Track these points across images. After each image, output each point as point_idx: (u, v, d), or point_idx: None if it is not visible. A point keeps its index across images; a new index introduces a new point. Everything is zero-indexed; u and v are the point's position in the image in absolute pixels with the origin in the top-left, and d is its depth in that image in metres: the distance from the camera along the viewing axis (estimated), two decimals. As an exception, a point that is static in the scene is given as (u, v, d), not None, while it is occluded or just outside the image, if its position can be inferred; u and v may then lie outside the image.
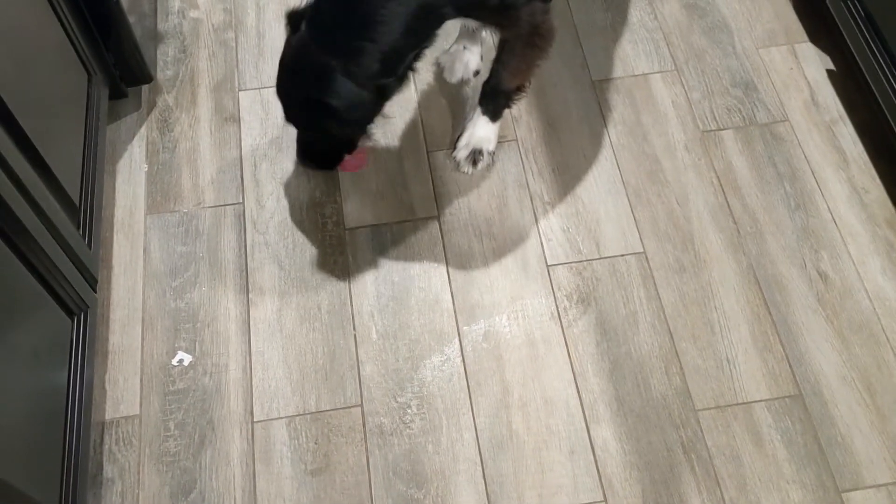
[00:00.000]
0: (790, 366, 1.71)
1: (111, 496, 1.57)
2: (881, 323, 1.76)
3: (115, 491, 1.58)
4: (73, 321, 1.54)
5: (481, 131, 1.93)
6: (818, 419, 1.66)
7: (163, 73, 2.13)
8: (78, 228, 1.59)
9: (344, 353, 1.72)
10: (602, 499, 1.57)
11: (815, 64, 2.14)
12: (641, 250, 1.86)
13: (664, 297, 1.80)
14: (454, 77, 2.09)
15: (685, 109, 2.07)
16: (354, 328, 1.75)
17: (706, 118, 2.05)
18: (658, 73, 2.13)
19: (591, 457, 1.62)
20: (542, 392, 1.69)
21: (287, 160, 1.99)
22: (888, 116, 1.89)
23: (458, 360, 1.72)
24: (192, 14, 2.24)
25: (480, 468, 1.60)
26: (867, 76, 1.95)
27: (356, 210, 1.91)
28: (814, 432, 1.64)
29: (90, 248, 1.62)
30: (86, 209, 1.65)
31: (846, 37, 2.03)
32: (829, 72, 2.12)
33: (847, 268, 1.83)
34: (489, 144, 1.94)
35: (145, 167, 1.98)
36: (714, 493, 1.58)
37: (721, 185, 1.95)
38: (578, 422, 1.66)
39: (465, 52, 2.07)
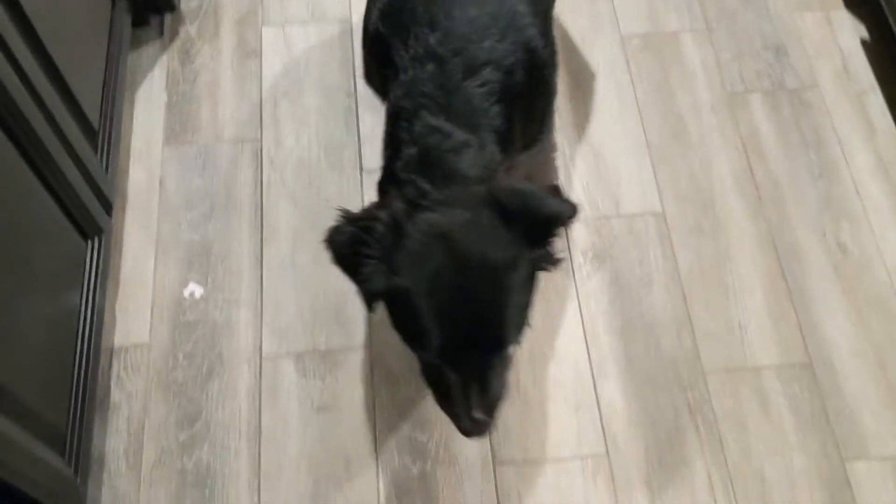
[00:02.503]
0: (802, 334, 1.70)
1: (117, 420, 1.58)
2: (898, 297, 1.74)
3: (122, 416, 1.59)
4: (87, 244, 1.53)
5: None
6: (827, 389, 1.65)
7: (187, 2, 2.10)
8: (96, 152, 1.58)
9: (355, 295, 1.71)
10: (605, 453, 1.57)
11: (849, 32, 2.10)
12: (661, 210, 1.84)
13: (680, 259, 1.78)
14: None
15: (714, 70, 2.03)
16: (367, 271, 1.74)
17: (734, 80, 2.02)
18: (689, 31, 2.09)
19: (597, 412, 1.62)
20: (550, 346, 1.68)
21: (308, 99, 1.96)
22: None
23: (470, 308, 1.72)
24: (218, -56, 2.20)
25: (486, 416, 1.60)
26: (903, 47, 1.91)
27: (375, 153, 1.89)
28: (822, 402, 1.63)
29: (106, 173, 1.62)
30: (104, 134, 1.64)
31: (883, 5, 1.98)
32: (863, 41, 2.08)
33: (867, 240, 1.81)
34: None
35: (165, 97, 1.96)
36: (717, 455, 1.58)
37: (745, 149, 1.92)
38: (586, 377, 1.65)
39: None
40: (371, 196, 1.82)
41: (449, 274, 1.10)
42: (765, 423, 1.61)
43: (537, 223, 1.14)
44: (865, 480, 1.56)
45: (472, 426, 1.17)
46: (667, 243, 1.80)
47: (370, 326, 1.68)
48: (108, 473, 1.54)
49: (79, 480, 1.38)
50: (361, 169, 1.87)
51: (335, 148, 1.90)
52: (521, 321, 1.16)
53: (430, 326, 1.10)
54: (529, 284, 1.17)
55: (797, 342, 1.69)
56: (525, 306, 1.17)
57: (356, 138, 1.91)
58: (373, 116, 1.92)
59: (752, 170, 1.89)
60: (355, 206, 1.78)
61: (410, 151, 1.23)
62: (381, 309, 1.20)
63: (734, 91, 2.00)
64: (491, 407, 1.17)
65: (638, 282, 1.76)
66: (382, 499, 1.53)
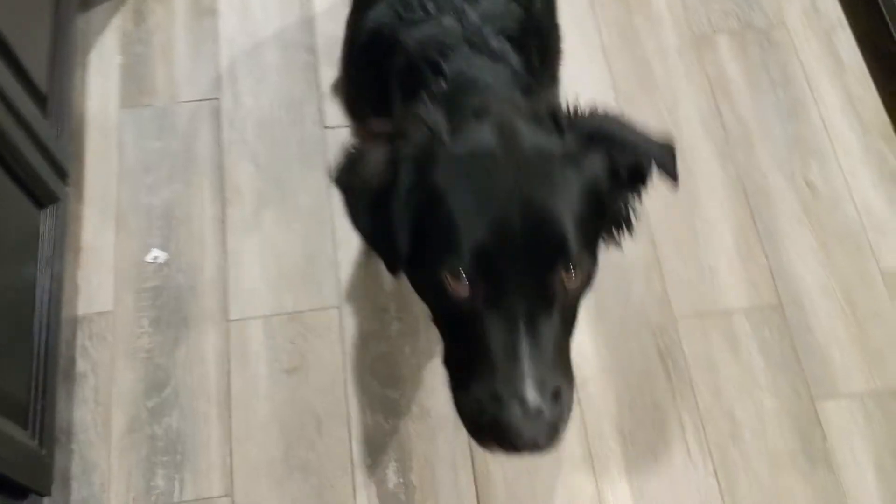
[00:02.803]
0: (772, 276, 1.70)
1: (84, 391, 1.57)
2: (867, 235, 1.73)
3: (88, 385, 1.57)
4: (42, 213, 1.50)
5: None
6: (796, 329, 1.65)
7: (137, -40, 2.03)
8: (46, 118, 1.54)
9: (322, 255, 1.70)
10: (575, 401, 1.57)
11: (817, -33, 2.06)
12: (628, 156, 1.81)
13: (648, 204, 1.75)
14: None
15: (680, 12, 1.99)
16: (333, 230, 1.71)
17: (701, 21, 1.98)
18: (654, -28, 2.04)
19: (568, 361, 1.61)
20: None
21: (267, 57, 1.92)
22: (889, 25, 1.83)
23: (437, 263, 1.70)
24: None
25: (456, 370, 1.59)
26: (870, -20, 1.88)
27: (336, 108, 1.86)
28: (791, 341, 1.64)
29: (59, 139, 1.57)
30: (55, 99, 1.60)
31: (851, -62, 1.95)
32: (831, -25, 2.05)
33: (836, 178, 1.80)
34: None
35: (119, 59, 1.90)
36: (688, 399, 1.58)
37: (713, 91, 1.89)
38: (556, 327, 1.65)
39: None
40: (337, 152, 1.79)
41: (497, 159, 0.88)
42: (735, 366, 1.61)
43: (621, 155, 0.95)
44: (835, 418, 1.56)
45: (524, 421, 0.82)
46: (635, 189, 1.77)
47: (339, 286, 1.66)
48: (78, 444, 1.52)
49: (44, 451, 1.36)
50: (324, 126, 1.84)
51: (296, 105, 1.86)
52: (590, 245, 0.92)
53: (464, 220, 0.85)
54: (599, 218, 0.94)
55: (767, 284, 1.69)
56: (594, 232, 0.93)
57: (316, 95, 1.87)
58: (334, 72, 1.88)
59: (720, 112, 1.87)
60: (320, 166, 1.78)
61: (440, 86, 1.10)
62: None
63: (701, 33, 1.97)
64: (555, 391, 0.85)
65: (607, 229, 1.74)
66: (356, 457, 1.53)
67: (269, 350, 1.61)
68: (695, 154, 1.82)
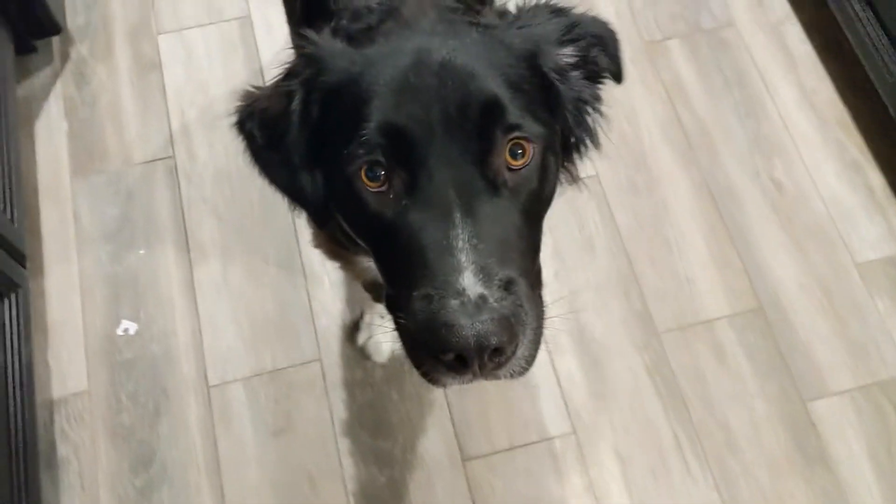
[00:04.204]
0: (749, 278, 1.70)
1: (69, 476, 1.52)
2: (836, 227, 1.74)
3: (72, 471, 1.52)
4: (3, 303, 1.45)
5: None
6: (779, 330, 1.65)
7: (73, 20, 1.98)
8: (-4, 204, 1.49)
9: (297, 307, 1.66)
10: (571, 430, 1.56)
11: (758, -39, 2.07)
12: (594, 173, 1.80)
13: (619, 220, 1.76)
14: (382, 356, 1.60)
15: (628, 19, 1.99)
16: (305, 279, 1.68)
17: (651, 28, 1.98)
18: (598, -19, 2.04)
19: (557, 389, 1.60)
20: (502, 328, 1.65)
21: (217, 105, 1.87)
22: (835, 13, 1.84)
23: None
24: (98, -49, 2.07)
25: (448, 411, 1.57)
26: (812, -28, 1.89)
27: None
28: (775, 343, 1.64)
29: (13, 223, 1.52)
30: (4, 181, 1.54)
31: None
32: (773, -33, 2.05)
33: (800, 173, 1.80)
34: None
35: (65, 125, 1.85)
36: (681, 413, 1.57)
37: (670, 97, 1.89)
38: (541, 355, 1.63)
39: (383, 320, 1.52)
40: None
41: (404, 41, 0.81)
42: (723, 375, 1.61)
43: (559, 30, 0.84)
44: (827, 417, 1.57)
45: (463, 312, 0.69)
46: (604, 206, 1.77)
47: (317, 336, 1.63)
48: (67, 533, 1.48)
49: (34, 551, 1.32)
50: (283, 172, 1.80)
51: (253, 154, 1.82)
52: (535, 114, 0.78)
53: (367, 99, 0.75)
54: (543, 91, 0.83)
55: (745, 287, 1.69)
56: (539, 104, 0.81)
57: (273, 141, 1.83)
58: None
59: (680, 118, 1.87)
60: (285, 213, 1.74)
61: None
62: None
63: (652, 39, 1.96)
64: (505, 281, 0.72)
65: (580, 248, 1.73)
66: (354, 511, 1.50)
67: (253, 412, 1.57)
68: (658, 162, 1.81)
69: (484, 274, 0.71)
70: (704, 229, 1.75)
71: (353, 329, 1.64)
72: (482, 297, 0.70)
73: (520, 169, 0.78)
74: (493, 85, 0.76)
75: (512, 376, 0.76)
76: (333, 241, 1.13)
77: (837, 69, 1.92)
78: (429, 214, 0.74)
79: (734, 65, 1.93)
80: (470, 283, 0.70)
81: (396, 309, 0.79)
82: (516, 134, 0.76)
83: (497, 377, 0.74)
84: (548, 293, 1.67)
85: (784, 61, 1.93)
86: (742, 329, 1.65)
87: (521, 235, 0.80)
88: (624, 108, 1.88)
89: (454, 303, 0.70)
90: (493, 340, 0.70)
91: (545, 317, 0.81)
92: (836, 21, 1.87)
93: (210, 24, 1.98)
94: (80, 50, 1.94)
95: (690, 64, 1.93)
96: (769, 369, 1.61)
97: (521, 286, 0.75)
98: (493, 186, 0.76)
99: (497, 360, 0.72)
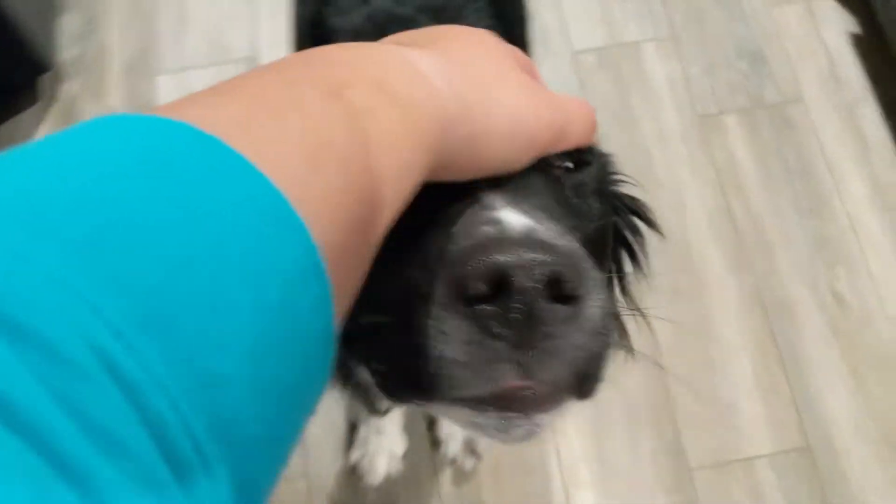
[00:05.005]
0: (797, 411, 1.50)
1: None
2: (903, 357, 1.53)
3: None
4: None
5: None
6: (828, 477, 1.45)
7: (67, 52, 1.79)
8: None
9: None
10: (583, 585, 1.39)
11: (835, 26, 1.82)
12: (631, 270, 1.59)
13: (658, 330, 1.55)
14: (376, 477, 1.44)
15: (681, 88, 1.76)
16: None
17: (706, 98, 1.75)
18: (651, 40, 1.80)
19: (572, 530, 1.42)
20: (514, 453, 1.47)
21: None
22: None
23: (419, 416, 1.50)
24: (96, -27, 1.87)
25: (445, 549, 1.40)
26: (898, 47, 1.65)
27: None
28: (822, 492, 1.44)
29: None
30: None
31: (874, -5, 1.71)
32: (853, 36, 1.80)
33: (866, 287, 1.59)
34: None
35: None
36: (709, 569, 1.40)
37: (721, 183, 1.67)
38: (557, 488, 1.45)
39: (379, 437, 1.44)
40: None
41: None
42: (761, 529, 1.42)
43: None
44: (877, 589, 1.38)
45: (500, 238, 0.45)
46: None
47: (304, 451, 1.46)
48: None
49: None
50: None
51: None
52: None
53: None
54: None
55: (792, 421, 1.49)
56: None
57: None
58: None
59: (731, 208, 1.65)
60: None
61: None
62: None
63: (706, 113, 1.73)
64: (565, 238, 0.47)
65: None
66: None
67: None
68: (705, 263, 1.60)
69: (524, 211, 0.48)
70: (752, 347, 1.54)
71: (347, 441, 1.47)
72: (525, 226, 0.46)
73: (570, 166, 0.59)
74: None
75: (568, 376, 0.47)
76: None
77: (917, 162, 1.69)
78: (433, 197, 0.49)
79: (798, 149, 1.70)
80: (507, 213, 0.47)
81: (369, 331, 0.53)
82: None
83: (550, 358, 0.45)
84: (570, 420, 1.49)
85: (856, 149, 1.70)
86: (785, 470, 1.45)
87: (572, 224, 0.56)
88: (669, 192, 1.66)
89: (487, 228, 0.46)
90: (551, 260, 0.43)
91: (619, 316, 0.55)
92: (920, 104, 1.64)
93: (213, 64, 1.78)
94: (70, 87, 1.76)
95: (748, 146, 1.70)
96: (813, 522, 1.43)
97: (587, 258, 0.48)
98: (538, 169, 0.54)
99: (555, 308, 0.44)
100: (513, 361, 0.44)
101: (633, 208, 0.75)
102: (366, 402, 0.92)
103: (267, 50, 1.78)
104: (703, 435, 1.48)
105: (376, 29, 0.99)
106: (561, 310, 0.44)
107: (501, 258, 0.42)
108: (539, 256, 0.43)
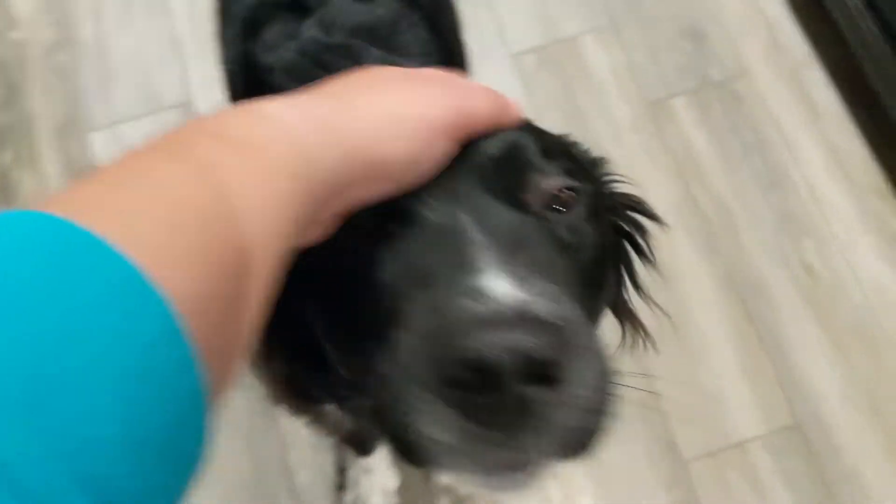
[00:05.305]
0: (782, 389, 1.50)
1: None
2: (881, 321, 1.53)
3: None
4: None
5: None
6: (821, 452, 1.46)
7: (-10, 122, 1.72)
8: None
9: (272, 462, 1.46)
10: None
11: (771, -6, 1.80)
12: (599, 270, 1.58)
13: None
14: None
15: (627, 77, 1.73)
16: (280, 428, 1.47)
17: (653, 84, 1.73)
18: (590, 32, 1.77)
19: (576, 542, 1.41)
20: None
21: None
22: (859, 54, 1.60)
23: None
24: (13, 35, 1.80)
25: (452, 580, 1.39)
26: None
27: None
28: (818, 467, 1.45)
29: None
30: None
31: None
32: (791, 1, 1.79)
33: (835, 255, 1.58)
34: None
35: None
36: (717, 561, 1.39)
37: (680, 170, 1.65)
38: (558, 501, 1.44)
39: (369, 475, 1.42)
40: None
41: None
42: (762, 512, 1.42)
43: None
44: (883, 557, 1.39)
45: (488, 312, 0.43)
46: (614, 310, 1.55)
47: (296, 499, 1.43)
48: None
49: None
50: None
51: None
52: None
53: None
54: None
55: (779, 401, 1.49)
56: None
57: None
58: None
59: (693, 194, 1.64)
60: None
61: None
62: None
63: (655, 98, 1.71)
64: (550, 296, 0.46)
65: (591, 366, 1.52)
66: None
67: None
68: (676, 254, 1.59)
69: (513, 275, 0.46)
70: (730, 331, 1.54)
71: (338, 485, 1.44)
72: (514, 297, 0.44)
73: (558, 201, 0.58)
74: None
75: (561, 448, 0.48)
76: (294, 392, 0.93)
77: (869, 122, 1.68)
78: (415, 234, 0.52)
79: (751, 123, 1.69)
80: (494, 281, 0.45)
81: (359, 380, 0.55)
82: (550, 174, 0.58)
83: (540, 437, 0.45)
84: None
85: (807, 115, 1.69)
86: (778, 451, 1.45)
87: (566, 269, 0.56)
88: (629, 186, 1.64)
89: (470, 303, 0.44)
90: (542, 344, 0.43)
91: (612, 375, 0.52)
92: (860, 61, 1.63)
93: (147, 114, 1.72)
94: (2, 158, 1.69)
95: (701, 127, 1.69)
96: (812, 497, 1.43)
97: (575, 310, 0.49)
98: (521, 207, 0.55)
99: (540, 387, 0.43)
100: (503, 445, 0.45)
101: (632, 206, 0.78)
102: (351, 443, 0.91)
103: (201, 92, 1.73)
104: (692, 425, 1.48)
105: (311, 61, 0.97)
106: (553, 394, 0.44)
107: (489, 348, 0.42)
108: (529, 341, 0.42)
